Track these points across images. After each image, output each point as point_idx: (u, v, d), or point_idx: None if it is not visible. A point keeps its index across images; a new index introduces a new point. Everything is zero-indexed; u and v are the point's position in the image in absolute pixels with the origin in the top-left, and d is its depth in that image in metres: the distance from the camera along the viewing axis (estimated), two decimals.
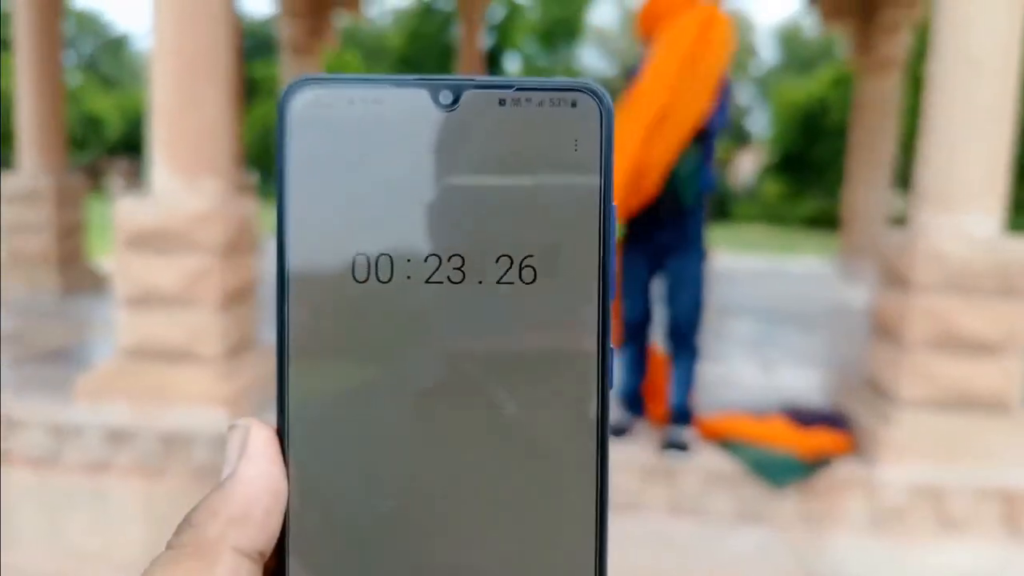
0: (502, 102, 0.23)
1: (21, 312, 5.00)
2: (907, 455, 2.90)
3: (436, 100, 0.23)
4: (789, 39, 42.24)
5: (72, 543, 3.23)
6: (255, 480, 0.23)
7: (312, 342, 0.23)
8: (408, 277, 0.23)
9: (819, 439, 2.96)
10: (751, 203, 37.38)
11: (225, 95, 3.26)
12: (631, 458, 2.95)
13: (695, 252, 2.97)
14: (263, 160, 30.10)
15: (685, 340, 3.03)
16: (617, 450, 3.00)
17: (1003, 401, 2.94)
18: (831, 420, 3.10)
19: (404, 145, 0.23)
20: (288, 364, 0.24)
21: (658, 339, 3.23)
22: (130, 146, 35.59)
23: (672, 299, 3.03)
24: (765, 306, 6.98)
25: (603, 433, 0.24)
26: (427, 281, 0.23)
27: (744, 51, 44.09)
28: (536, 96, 0.23)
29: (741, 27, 42.54)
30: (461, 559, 0.23)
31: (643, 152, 2.68)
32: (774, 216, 33.53)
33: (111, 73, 40.32)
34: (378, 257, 0.23)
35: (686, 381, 3.04)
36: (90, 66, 38.38)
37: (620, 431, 3.06)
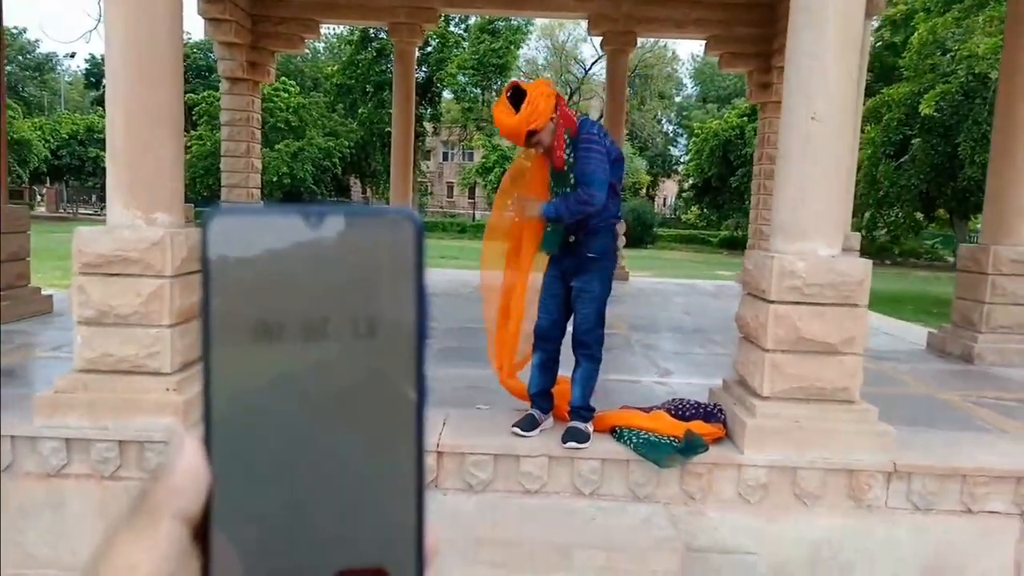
0: (350, 223, 0.32)
1: None
2: (768, 440, 3.46)
3: (307, 221, 0.32)
4: (706, 73, 44.21)
5: (29, 548, 3.49)
6: (186, 469, 0.31)
7: (226, 377, 0.32)
8: (291, 334, 0.32)
9: (695, 428, 3.49)
10: (674, 228, 38.87)
11: (177, 134, 3.62)
12: (538, 447, 3.43)
13: (596, 274, 3.44)
14: (196, 187, 29.74)
15: (582, 346, 3.50)
16: (528, 442, 3.48)
17: (846, 393, 3.53)
18: (707, 413, 3.65)
19: (286, 251, 0.32)
20: (210, 395, 0.32)
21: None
22: (55, 171, 34.72)
23: (575, 313, 3.53)
24: (674, 322, 7.61)
25: (420, 435, 0.33)
26: (303, 338, 0.32)
27: (668, 82, 45.91)
28: (375, 217, 0.33)
29: (666, 60, 44.23)
30: (329, 513, 0.32)
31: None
32: (695, 240, 35.07)
33: (34, 96, 39.29)
34: (271, 320, 0.32)
35: (583, 382, 3.51)
36: (11, 89, 37.28)
37: (532, 426, 3.53)
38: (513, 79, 3.65)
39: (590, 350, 3.50)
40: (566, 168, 3.38)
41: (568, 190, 3.38)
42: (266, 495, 0.32)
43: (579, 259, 3.46)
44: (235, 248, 0.32)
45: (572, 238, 3.46)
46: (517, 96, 3.31)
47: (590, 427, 3.50)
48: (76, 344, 3.49)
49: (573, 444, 3.40)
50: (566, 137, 3.34)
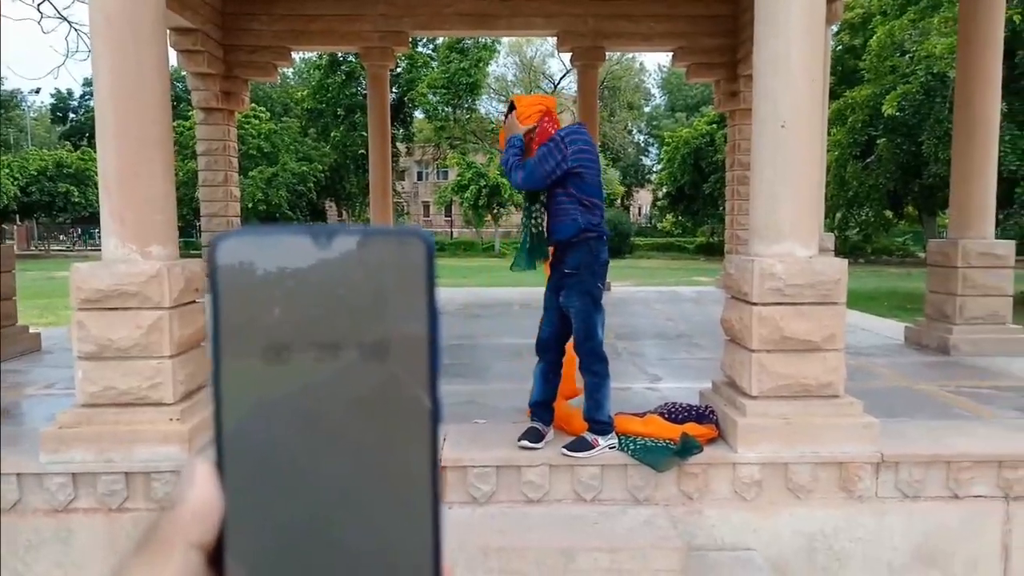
0: (360, 243, 0.32)
1: None
2: (759, 438, 3.58)
3: (317, 242, 0.32)
4: (673, 83, 44.85)
5: None
6: (199, 497, 0.32)
7: (237, 402, 0.32)
8: (302, 354, 0.32)
9: (689, 430, 3.61)
10: (650, 236, 39.28)
11: (168, 166, 3.68)
12: (538, 456, 3.53)
13: (574, 289, 3.50)
14: None
15: (581, 363, 3.57)
16: (529, 452, 3.56)
17: (830, 389, 3.67)
18: (699, 415, 3.76)
19: (296, 272, 0.32)
20: (221, 419, 0.32)
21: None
22: (24, 208, 34.24)
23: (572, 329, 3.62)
24: (658, 329, 7.75)
25: (435, 447, 0.33)
26: (314, 360, 0.32)
27: (637, 93, 46.47)
28: (385, 237, 0.32)
29: (634, 72, 44.80)
30: (344, 535, 0.32)
31: None
32: (671, 247, 35.46)
33: (1, 134, 38.87)
34: (281, 343, 0.32)
35: (587, 395, 3.59)
36: None
37: (538, 438, 3.61)
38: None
39: (584, 364, 3.56)
40: None
41: (538, 205, 3.59)
42: (279, 517, 0.32)
43: (559, 274, 3.58)
44: (244, 269, 0.32)
45: (556, 253, 3.58)
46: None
47: (600, 440, 3.55)
48: (77, 379, 3.52)
49: (564, 451, 3.50)
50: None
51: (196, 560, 0.31)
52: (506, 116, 3.68)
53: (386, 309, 0.32)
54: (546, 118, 3.59)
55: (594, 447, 3.53)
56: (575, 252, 3.51)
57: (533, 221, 3.57)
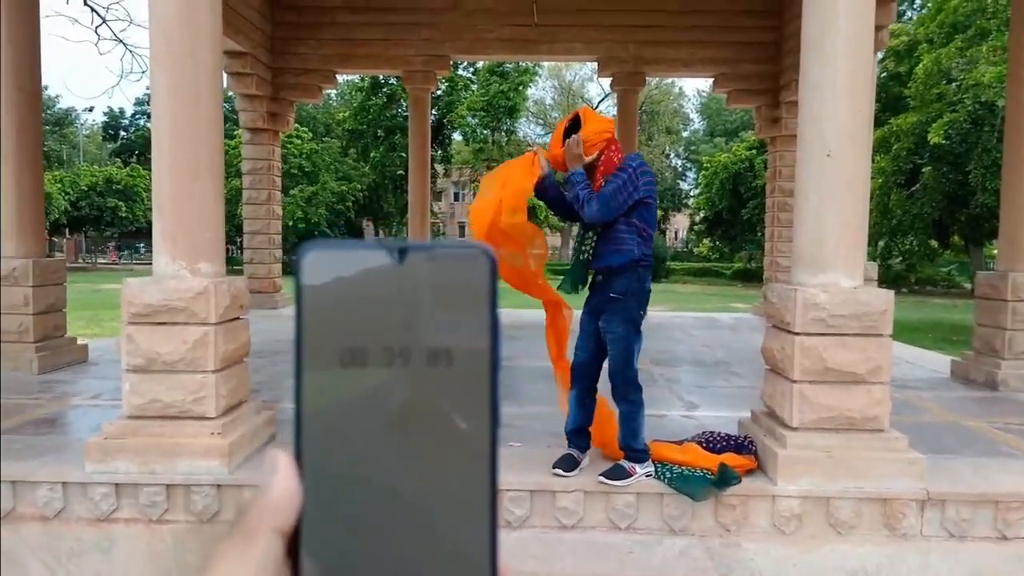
0: (430, 257, 0.34)
1: (7, 388, 5.32)
2: (800, 471, 3.51)
3: (392, 256, 0.34)
4: (712, 107, 44.68)
5: None
6: (279, 487, 0.34)
7: (316, 400, 0.34)
8: (375, 360, 0.34)
9: (728, 460, 3.55)
10: (686, 261, 39.00)
11: (218, 186, 3.77)
12: (573, 482, 3.50)
13: (618, 315, 3.46)
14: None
15: (613, 389, 3.53)
16: (567, 479, 3.54)
17: (875, 422, 3.59)
18: (738, 445, 3.71)
19: (372, 283, 0.34)
20: (301, 416, 0.34)
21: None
22: (74, 222, 35.37)
23: (608, 355, 3.59)
24: (695, 355, 7.67)
25: (494, 457, 0.35)
26: (387, 364, 0.34)
27: (675, 117, 46.40)
28: (453, 252, 0.35)
29: (673, 96, 44.76)
30: (411, 532, 0.34)
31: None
32: (708, 272, 35.12)
33: (53, 150, 40.24)
34: (357, 348, 0.34)
35: (622, 424, 3.54)
36: None
37: (572, 465, 3.59)
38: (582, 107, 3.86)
39: (620, 392, 3.51)
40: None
41: (590, 234, 3.51)
42: (349, 513, 0.34)
43: (603, 298, 3.52)
44: (326, 279, 0.34)
45: (599, 277, 3.55)
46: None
47: (637, 468, 3.51)
48: (124, 391, 3.60)
49: (602, 479, 3.46)
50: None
51: (277, 545, 0.34)
52: (567, 128, 3.55)
53: (453, 319, 0.34)
54: (612, 146, 3.51)
55: (631, 475, 3.50)
56: (623, 278, 3.46)
57: (584, 248, 3.54)
